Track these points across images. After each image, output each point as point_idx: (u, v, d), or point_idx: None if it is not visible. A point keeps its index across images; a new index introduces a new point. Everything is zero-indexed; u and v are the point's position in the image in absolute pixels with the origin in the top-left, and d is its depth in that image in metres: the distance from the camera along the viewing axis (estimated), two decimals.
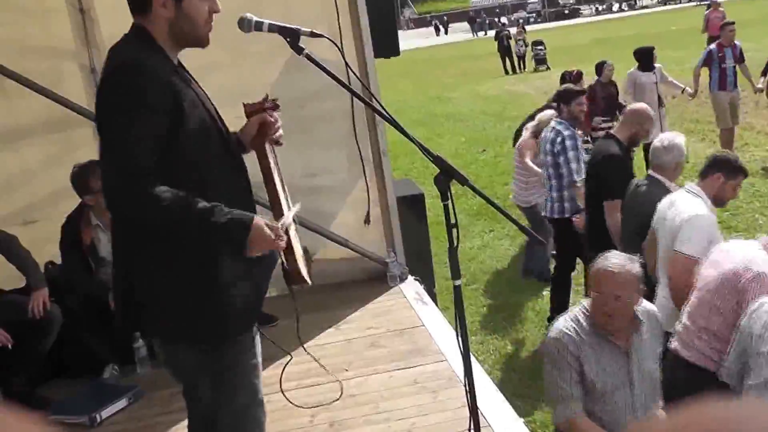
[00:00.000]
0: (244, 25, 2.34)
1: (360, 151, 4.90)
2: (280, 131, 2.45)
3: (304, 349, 2.76)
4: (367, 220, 5.07)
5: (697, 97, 10.16)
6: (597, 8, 63.78)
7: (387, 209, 5.06)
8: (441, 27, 59.93)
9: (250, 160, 2.44)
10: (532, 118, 7.18)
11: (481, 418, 2.53)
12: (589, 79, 9.45)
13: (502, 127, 14.09)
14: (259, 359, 2.42)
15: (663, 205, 3.80)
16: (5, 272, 4.05)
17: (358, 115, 4.85)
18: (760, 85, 9.63)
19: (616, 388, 2.87)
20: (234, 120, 2.45)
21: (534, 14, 61.64)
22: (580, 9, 63.38)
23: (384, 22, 4.98)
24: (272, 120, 2.43)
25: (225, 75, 4.56)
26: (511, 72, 24.69)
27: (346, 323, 4.60)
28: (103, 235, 4.17)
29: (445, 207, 2.29)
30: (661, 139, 4.23)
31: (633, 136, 4.73)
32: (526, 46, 25.10)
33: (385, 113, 2.39)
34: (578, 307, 3.00)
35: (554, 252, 7.11)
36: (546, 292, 6.40)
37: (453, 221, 2.27)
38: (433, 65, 30.64)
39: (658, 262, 3.80)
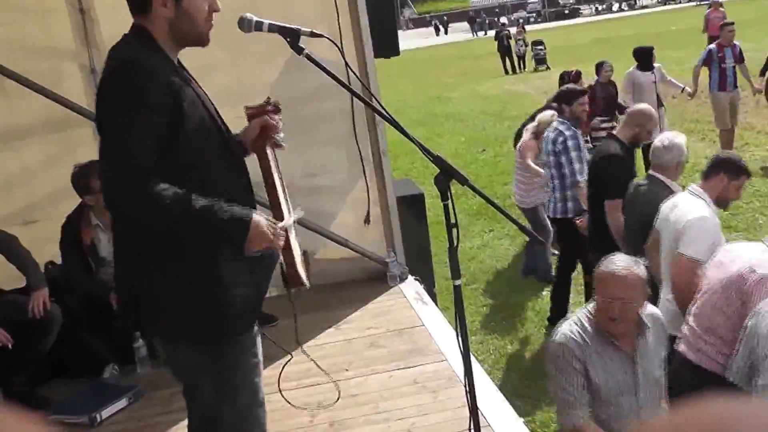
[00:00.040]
0: (244, 25, 2.34)
1: (360, 151, 4.90)
2: (282, 134, 2.45)
3: (303, 351, 2.76)
4: (367, 220, 5.07)
5: (697, 96, 10.16)
6: (597, 8, 63.76)
7: (387, 209, 5.06)
8: (441, 27, 59.92)
9: (250, 160, 2.45)
10: (532, 118, 7.17)
11: (481, 417, 2.53)
12: (589, 79, 9.46)
13: (502, 126, 14.09)
14: (260, 359, 2.43)
15: (666, 206, 3.79)
16: (5, 272, 4.05)
17: (358, 115, 4.85)
18: (758, 86, 9.64)
19: (622, 393, 2.83)
20: (234, 120, 2.45)
21: (534, 14, 61.61)
22: (580, 9, 63.34)
23: (384, 22, 4.98)
24: (274, 123, 2.43)
25: (225, 75, 4.57)
26: (510, 72, 24.69)
27: (346, 323, 4.60)
28: (103, 235, 4.17)
29: (445, 207, 2.29)
30: (661, 138, 4.22)
31: (635, 136, 4.72)
32: (526, 45, 25.10)
33: (385, 113, 2.39)
34: (582, 311, 2.96)
35: (555, 252, 7.13)
36: (546, 292, 6.41)
37: (453, 221, 2.27)
38: (433, 65, 30.63)
39: (661, 264, 3.79)
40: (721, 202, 3.72)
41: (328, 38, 2.28)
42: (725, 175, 3.66)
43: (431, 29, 60.83)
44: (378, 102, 2.57)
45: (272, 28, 2.32)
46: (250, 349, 2.37)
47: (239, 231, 2.13)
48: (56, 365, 4.22)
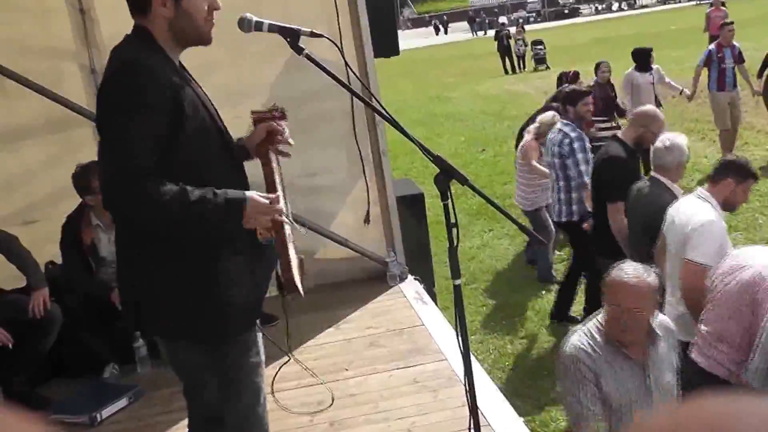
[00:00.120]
0: (244, 25, 2.34)
1: (360, 151, 4.90)
2: (290, 140, 2.45)
3: (295, 359, 2.76)
4: (366, 220, 5.08)
5: (697, 96, 10.15)
6: (596, 7, 63.71)
7: (387, 209, 5.06)
8: (440, 27, 59.91)
9: (250, 163, 2.45)
10: (532, 119, 7.16)
11: (480, 417, 2.54)
12: (588, 79, 9.44)
13: (502, 126, 14.09)
14: (263, 358, 2.43)
15: (672, 210, 3.76)
16: (5, 272, 4.05)
17: (358, 115, 4.86)
18: (757, 87, 9.63)
19: (634, 403, 2.79)
20: (234, 120, 2.45)
21: (534, 14, 61.59)
22: (579, 8, 63.30)
23: (384, 22, 4.98)
24: (280, 129, 2.44)
25: (225, 75, 4.57)
26: (510, 72, 24.67)
27: (346, 323, 4.60)
28: (104, 235, 4.18)
29: (445, 206, 2.29)
30: (662, 139, 4.20)
31: (639, 137, 4.64)
32: (526, 45, 25.08)
33: (384, 113, 2.39)
34: (592, 321, 2.91)
35: (558, 253, 7.13)
36: (545, 292, 6.41)
37: (453, 221, 2.28)
38: (433, 65, 30.63)
39: (667, 268, 3.77)
40: (728, 205, 3.69)
41: (328, 38, 2.28)
42: (733, 178, 3.63)
43: (431, 29, 60.82)
44: (378, 102, 2.57)
45: (272, 28, 2.33)
46: (251, 348, 2.37)
47: (236, 210, 2.15)
48: (56, 365, 4.23)
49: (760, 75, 9.57)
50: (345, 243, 5.11)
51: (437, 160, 2.27)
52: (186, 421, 2.54)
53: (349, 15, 4.69)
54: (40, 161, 5.07)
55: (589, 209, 5.23)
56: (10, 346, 3.68)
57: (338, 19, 4.54)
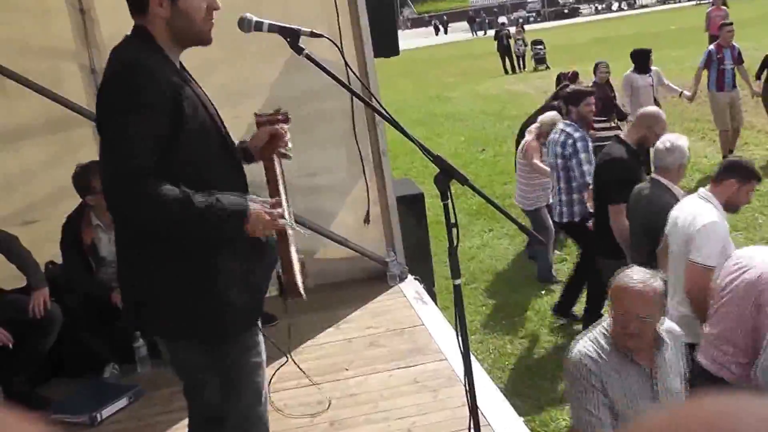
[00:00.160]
0: (244, 25, 2.34)
1: (360, 151, 4.90)
2: (290, 144, 2.46)
3: (291, 358, 2.77)
4: (366, 220, 5.08)
5: (697, 96, 10.15)
6: (596, 7, 63.72)
7: (387, 209, 5.06)
8: (440, 26, 59.91)
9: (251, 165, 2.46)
10: (532, 118, 7.14)
11: (480, 417, 2.54)
12: (588, 79, 9.44)
13: (502, 126, 14.09)
14: (264, 357, 2.43)
15: (675, 211, 3.76)
16: (6, 272, 4.06)
17: (358, 115, 4.85)
18: (756, 88, 9.63)
19: (641, 410, 2.77)
20: (233, 120, 2.46)
21: (534, 13, 61.61)
22: (579, 8, 63.32)
23: (384, 22, 4.98)
24: (282, 132, 2.44)
25: (224, 75, 4.56)
26: (510, 71, 24.67)
27: (346, 323, 4.60)
28: (104, 235, 4.18)
29: (445, 206, 2.29)
30: (663, 140, 4.19)
31: (642, 139, 4.62)
32: (525, 45, 25.08)
33: (384, 113, 2.39)
34: (598, 327, 2.89)
35: (558, 253, 7.12)
36: (545, 292, 6.41)
37: (453, 220, 2.28)
38: (433, 65, 30.63)
39: (669, 269, 3.77)
40: (731, 206, 3.67)
41: (328, 38, 2.28)
42: (736, 179, 3.61)
43: (431, 29, 60.82)
44: (378, 102, 2.57)
45: (272, 28, 2.33)
46: (252, 348, 2.37)
47: (238, 222, 2.16)
48: (56, 365, 4.23)
49: (758, 77, 9.57)
50: (345, 243, 5.11)
51: (437, 160, 2.27)
52: (186, 421, 2.54)
53: (349, 15, 4.69)
54: (40, 161, 5.07)
55: (591, 210, 5.22)
56: (11, 346, 3.68)
57: (338, 19, 4.54)
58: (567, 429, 4.38)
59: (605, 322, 2.87)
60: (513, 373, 5.22)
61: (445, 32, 58.35)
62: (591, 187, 5.14)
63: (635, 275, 2.73)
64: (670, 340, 2.86)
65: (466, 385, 2.40)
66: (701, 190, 3.74)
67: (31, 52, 4.83)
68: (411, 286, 4.96)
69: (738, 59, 9.35)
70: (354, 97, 4.11)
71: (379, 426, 3.37)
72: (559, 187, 5.52)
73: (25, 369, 3.96)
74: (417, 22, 71.81)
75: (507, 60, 24.94)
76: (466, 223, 8.35)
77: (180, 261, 2.20)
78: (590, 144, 5.45)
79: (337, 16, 4.55)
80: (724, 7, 15.54)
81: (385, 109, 2.40)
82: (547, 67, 23.18)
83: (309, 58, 2.30)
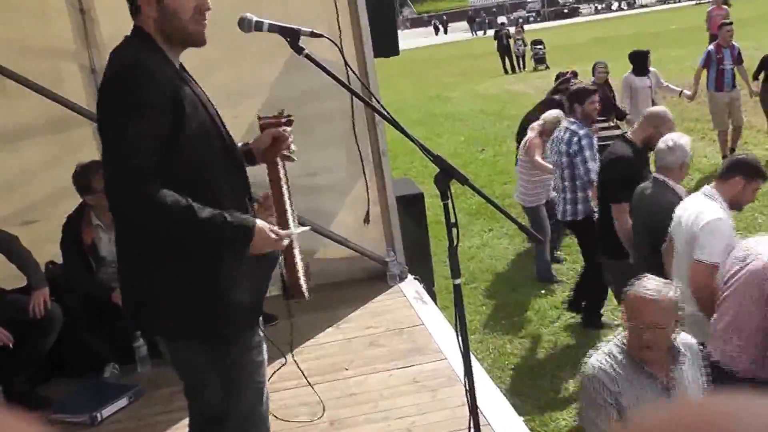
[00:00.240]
0: (244, 25, 2.34)
1: (360, 151, 4.90)
2: (293, 146, 2.46)
3: (290, 358, 2.77)
4: (366, 220, 5.08)
5: (698, 96, 10.15)
6: (596, 7, 63.69)
7: (386, 208, 5.06)
8: (440, 26, 59.91)
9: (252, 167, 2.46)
10: (532, 113, 7.12)
11: (480, 416, 2.54)
12: (587, 79, 9.42)
13: (502, 126, 14.09)
14: (265, 357, 2.43)
15: (679, 209, 3.75)
16: (6, 272, 4.06)
17: (358, 115, 4.86)
18: (755, 89, 9.63)
19: None
20: (233, 120, 2.46)
21: (533, 13, 61.60)
22: (579, 8, 63.29)
23: (384, 22, 4.98)
24: (285, 135, 2.44)
25: (224, 75, 4.56)
26: (510, 71, 24.67)
27: (346, 322, 4.60)
28: (104, 235, 4.18)
29: (445, 206, 2.29)
30: (665, 140, 4.18)
31: (648, 138, 4.58)
32: (525, 45, 25.08)
33: (384, 113, 2.40)
34: (613, 340, 2.86)
35: (558, 253, 7.12)
36: (545, 291, 6.41)
37: (453, 220, 2.28)
38: (433, 65, 30.62)
39: (673, 268, 3.76)
40: (735, 204, 3.66)
41: (328, 38, 2.28)
42: (741, 177, 3.60)
43: (431, 29, 60.82)
44: (378, 101, 2.57)
45: (272, 28, 2.33)
46: (253, 348, 2.37)
47: (242, 239, 2.17)
48: (56, 365, 4.22)
49: (755, 77, 9.56)
50: (345, 243, 5.12)
51: (437, 159, 2.27)
52: (186, 421, 2.54)
53: (349, 15, 4.69)
54: (40, 161, 5.07)
55: (595, 208, 5.22)
56: (11, 345, 3.68)
57: (338, 19, 4.54)
58: (567, 429, 4.38)
59: (620, 335, 2.84)
60: (513, 373, 5.22)
61: (445, 32, 58.35)
62: (596, 184, 5.14)
63: (649, 284, 2.70)
64: (687, 352, 2.82)
65: (466, 385, 2.40)
66: (706, 187, 3.72)
67: (31, 52, 4.83)
68: (411, 286, 4.96)
69: (738, 59, 9.35)
70: (354, 97, 4.11)
71: (379, 426, 3.38)
72: (564, 185, 5.51)
73: (25, 369, 3.96)
74: (417, 22, 71.81)
75: (507, 60, 24.94)
76: (466, 223, 8.35)
77: (180, 261, 2.20)
78: (595, 142, 5.44)
79: (337, 16, 4.55)
80: (725, 6, 15.53)
81: (385, 109, 2.40)
82: (547, 67, 23.17)
83: (309, 58, 2.30)
